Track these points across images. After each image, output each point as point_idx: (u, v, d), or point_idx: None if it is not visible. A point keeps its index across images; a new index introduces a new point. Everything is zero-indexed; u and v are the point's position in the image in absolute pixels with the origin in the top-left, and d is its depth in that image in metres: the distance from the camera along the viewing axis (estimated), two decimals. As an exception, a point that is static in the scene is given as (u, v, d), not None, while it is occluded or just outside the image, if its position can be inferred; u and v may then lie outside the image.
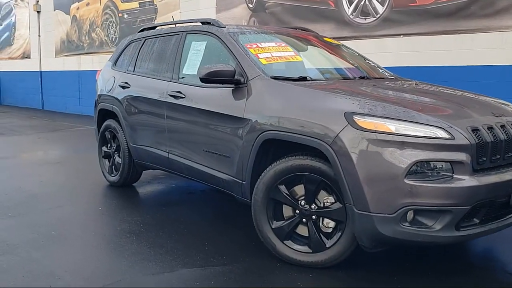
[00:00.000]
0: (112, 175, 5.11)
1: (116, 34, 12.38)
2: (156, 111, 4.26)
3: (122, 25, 12.14)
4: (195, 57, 4.01)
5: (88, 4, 13.43)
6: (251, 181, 3.26)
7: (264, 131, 3.10)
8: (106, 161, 5.27)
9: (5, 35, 17.70)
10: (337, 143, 2.68)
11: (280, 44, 3.81)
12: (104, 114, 5.26)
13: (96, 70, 13.44)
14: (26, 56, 16.67)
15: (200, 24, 4.26)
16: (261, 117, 3.15)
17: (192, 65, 4.01)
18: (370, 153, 2.60)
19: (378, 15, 7.09)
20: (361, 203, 2.63)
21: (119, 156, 5.03)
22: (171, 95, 4.05)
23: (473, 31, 6.18)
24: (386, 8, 7.00)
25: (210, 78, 3.40)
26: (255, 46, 3.67)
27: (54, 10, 14.91)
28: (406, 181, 2.52)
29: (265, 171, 3.08)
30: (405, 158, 2.53)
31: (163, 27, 5.04)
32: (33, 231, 3.67)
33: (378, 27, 7.09)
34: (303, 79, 3.38)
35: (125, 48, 5.17)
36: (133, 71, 4.83)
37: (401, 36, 6.85)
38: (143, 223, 3.84)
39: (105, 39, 12.82)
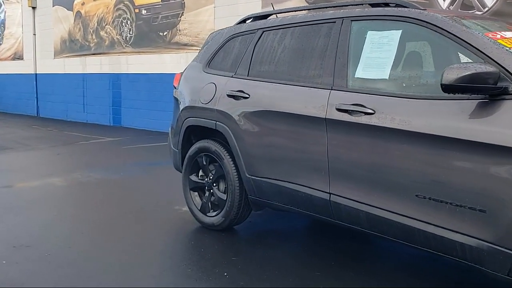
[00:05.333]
0: (208, 214, 3.77)
1: (131, 33, 10.95)
2: (307, 132, 2.96)
3: (139, 22, 10.71)
4: (379, 53, 2.73)
5: (95, -2, 11.94)
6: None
7: None
8: (197, 195, 3.91)
9: (-8, 33, 15.97)
10: None
11: (523, 35, 2.57)
12: (194, 133, 3.92)
13: (105, 73, 12.03)
14: (18, 57, 15.01)
15: (369, 6, 3.00)
16: None
17: (375, 65, 2.73)
18: None
19: (486, 9, 5.94)
20: None
21: (220, 189, 3.70)
22: (341, 110, 2.75)
23: None
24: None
25: (463, 86, 2.14)
26: (499, 36, 2.42)
27: (53, 6, 13.33)
28: None
29: None
30: None
31: (272, 15, 3.77)
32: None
33: (486, 22, 5.93)
34: None
35: (223, 45, 3.84)
36: (248, 75, 3.50)
37: (519, 33, 5.71)
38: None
39: (117, 38, 11.35)
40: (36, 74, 14.31)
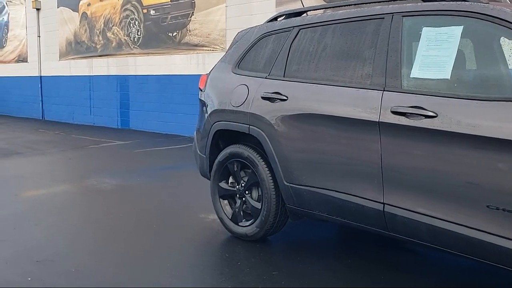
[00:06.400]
0: (240, 224, 3.55)
1: (139, 34, 10.74)
2: (357, 136, 2.74)
3: (148, 23, 10.50)
4: (438, 51, 2.51)
5: (102, -1, 11.73)
6: None
7: None
8: (227, 203, 3.70)
9: (-4, 36, 15.75)
10: None
11: None
12: (222, 137, 3.70)
13: (112, 75, 11.77)
14: (22, 59, 14.80)
15: (421, 1, 2.78)
16: None
17: (434, 64, 2.51)
18: None
19: None
20: None
21: (253, 197, 3.48)
22: (396, 113, 2.54)
23: None
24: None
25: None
26: None
27: (58, 7, 13.13)
28: None
29: None
30: None
31: (307, 12, 3.57)
32: None
33: None
34: None
35: (254, 44, 3.62)
36: (284, 76, 3.28)
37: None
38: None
39: (125, 39, 11.14)
40: (41, 76, 14.10)
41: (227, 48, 8.92)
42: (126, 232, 3.76)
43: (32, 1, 13.80)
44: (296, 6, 7.81)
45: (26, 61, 14.61)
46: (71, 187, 5.33)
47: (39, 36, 13.97)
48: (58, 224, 3.97)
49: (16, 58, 15.04)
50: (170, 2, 10.00)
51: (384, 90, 2.66)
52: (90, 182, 5.50)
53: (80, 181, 5.62)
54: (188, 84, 9.81)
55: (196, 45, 9.59)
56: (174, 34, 10.01)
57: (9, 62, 15.35)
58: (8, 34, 15.30)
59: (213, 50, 9.22)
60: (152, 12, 10.43)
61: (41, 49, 14.00)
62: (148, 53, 10.61)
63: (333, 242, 3.65)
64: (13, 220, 4.00)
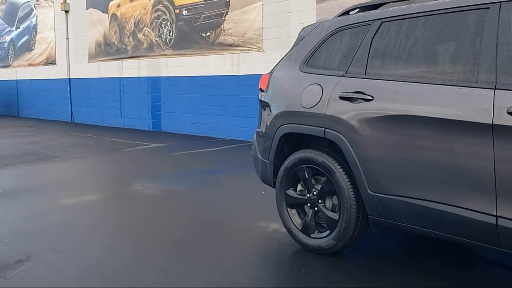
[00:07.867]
0: (313, 236, 3.26)
1: (171, 34, 10.55)
2: (463, 140, 2.44)
3: (180, 23, 10.31)
4: None
5: (132, 0, 11.58)
6: None
7: None
8: (295, 213, 3.42)
9: (24, 39, 15.81)
10: None
11: None
12: (286, 141, 3.43)
13: (143, 77, 11.62)
14: (50, 62, 14.79)
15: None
16: None
17: (560, 58, 2.20)
18: None
19: None
20: None
21: (327, 207, 3.20)
22: (515, 114, 2.24)
23: None
24: None
25: None
26: None
27: (86, 9, 13.05)
28: None
29: None
30: None
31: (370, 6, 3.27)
32: None
33: None
34: None
35: (326, 40, 3.34)
36: (365, 74, 3.00)
37: None
38: None
39: (156, 40, 10.97)
40: (69, 79, 14.06)
41: (263, 48, 8.71)
42: (187, 243, 3.51)
43: (61, 3, 13.78)
44: (335, 5, 7.54)
45: (55, 64, 14.59)
46: (116, 193, 5.11)
47: (68, 38, 13.94)
48: (113, 234, 3.75)
49: (45, 61, 15.04)
50: (203, 2, 9.79)
51: (495, 89, 2.35)
52: (135, 187, 5.29)
53: (124, 186, 5.41)
54: (222, 85, 9.58)
55: (230, 45, 9.35)
56: (207, 34, 9.79)
57: (37, 64, 15.36)
58: (36, 37, 15.31)
59: (248, 50, 8.98)
60: (184, 12, 10.24)
61: (69, 51, 13.96)
62: (180, 54, 10.42)
63: (417, 255, 3.34)
64: (65, 230, 3.80)
